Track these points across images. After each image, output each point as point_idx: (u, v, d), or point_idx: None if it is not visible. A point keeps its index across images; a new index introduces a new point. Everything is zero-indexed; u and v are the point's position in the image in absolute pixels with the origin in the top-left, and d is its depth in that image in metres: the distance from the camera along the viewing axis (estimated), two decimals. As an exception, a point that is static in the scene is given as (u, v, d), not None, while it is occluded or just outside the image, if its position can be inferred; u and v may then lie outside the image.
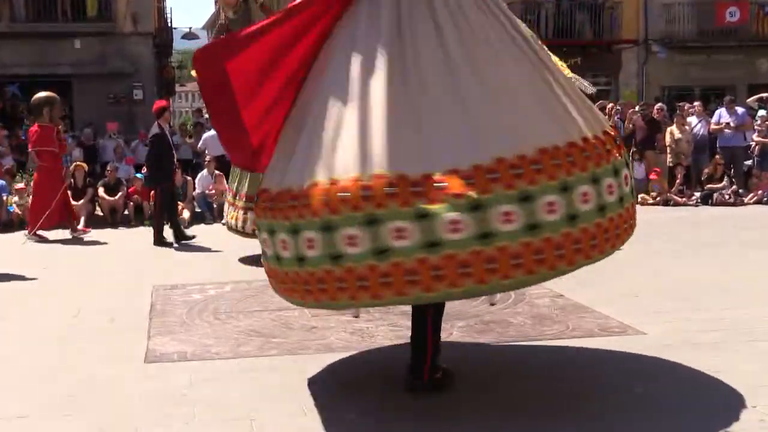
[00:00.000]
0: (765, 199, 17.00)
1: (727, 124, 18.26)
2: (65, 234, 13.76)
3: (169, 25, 37.41)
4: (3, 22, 23.88)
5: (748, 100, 20.51)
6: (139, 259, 11.31)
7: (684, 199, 17.17)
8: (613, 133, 4.82)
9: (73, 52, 24.38)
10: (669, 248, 11.11)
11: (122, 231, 14.87)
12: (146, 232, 13.82)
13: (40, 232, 13.35)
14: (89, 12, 24.39)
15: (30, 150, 14.42)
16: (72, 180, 15.31)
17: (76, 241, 13.43)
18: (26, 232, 13.52)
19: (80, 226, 14.23)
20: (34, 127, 13.63)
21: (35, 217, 13.28)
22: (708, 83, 27.79)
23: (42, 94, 13.85)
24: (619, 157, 4.71)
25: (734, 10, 27.10)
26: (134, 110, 24.51)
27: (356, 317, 6.91)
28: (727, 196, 16.96)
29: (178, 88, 63.10)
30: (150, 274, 9.76)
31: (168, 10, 38.50)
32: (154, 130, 12.83)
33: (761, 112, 18.91)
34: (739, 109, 18.79)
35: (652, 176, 17.61)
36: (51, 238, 13.49)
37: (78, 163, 16.12)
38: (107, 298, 8.39)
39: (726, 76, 27.56)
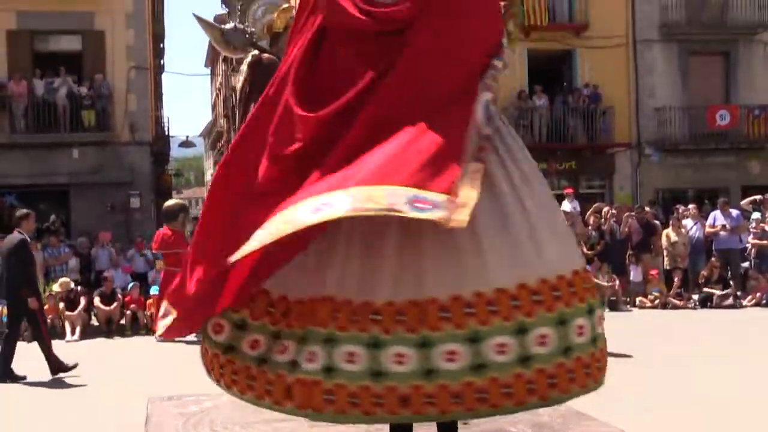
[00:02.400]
0: (764, 301, 16.95)
1: (723, 226, 18.32)
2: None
3: (167, 133, 37.85)
4: (3, 134, 24.12)
5: (742, 202, 20.63)
6: (134, 369, 11.18)
7: (682, 302, 17.12)
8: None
9: (71, 161, 24.60)
10: (670, 352, 11.01)
11: (118, 341, 14.75)
12: (142, 342, 13.72)
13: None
14: (87, 122, 24.66)
15: (154, 251, 15.09)
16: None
17: (71, 352, 13.31)
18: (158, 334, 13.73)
19: (75, 337, 14.15)
20: (166, 231, 14.03)
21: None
22: (701, 185, 27.99)
23: (174, 201, 15.07)
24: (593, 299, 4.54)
25: (724, 113, 27.47)
26: (131, 219, 24.61)
27: None
28: (725, 300, 16.92)
29: (174, 195, 63.63)
30: (145, 385, 9.63)
31: (165, 119, 39.01)
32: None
33: (755, 215, 19.02)
34: (734, 212, 18.90)
35: (650, 279, 17.60)
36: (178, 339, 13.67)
37: (63, 280, 16.08)
38: (102, 411, 8.26)
39: (719, 178, 27.78)
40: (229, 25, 6.49)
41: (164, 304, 4.49)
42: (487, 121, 4.02)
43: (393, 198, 3.53)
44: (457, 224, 3.51)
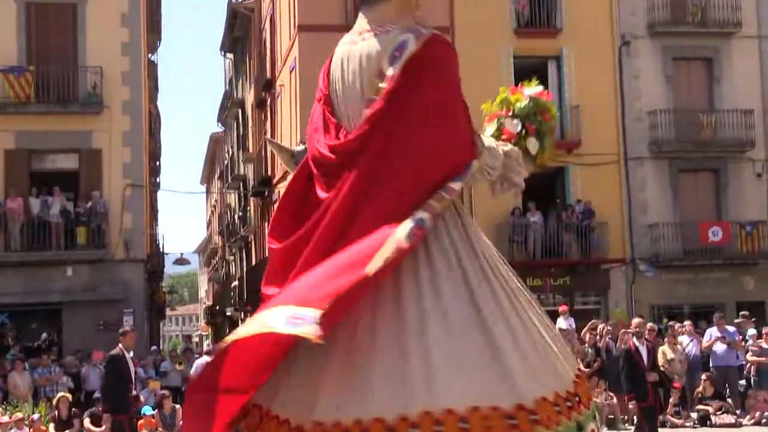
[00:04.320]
0: (764, 420, 16.71)
1: (722, 338, 18.20)
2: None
3: (161, 250, 37.91)
4: (-3, 252, 24.10)
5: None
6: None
7: (681, 420, 16.87)
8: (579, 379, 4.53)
9: (64, 279, 24.51)
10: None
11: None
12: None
13: None
14: (82, 240, 24.64)
15: None
16: (56, 411, 15.04)
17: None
18: None
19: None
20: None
21: None
22: (696, 301, 27.97)
23: None
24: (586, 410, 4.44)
25: (717, 229, 27.61)
26: (124, 337, 24.38)
27: None
28: (725, 418, 16.69)
29: (168, 312, 63.34)
30: None
31: (160, 237, 39.15)
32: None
33: (751, 331, 18.94)
34: (730, 328, 18.83)
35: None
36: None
37: (62, 394, 15.83)
38: None
39: (714, 294, 27.80)
40: (299, 148, 6.62)
41: None
42: (410, 238, 3.99)
43: (275, 317, 3.71)
44: (318, 340, 3.58)
